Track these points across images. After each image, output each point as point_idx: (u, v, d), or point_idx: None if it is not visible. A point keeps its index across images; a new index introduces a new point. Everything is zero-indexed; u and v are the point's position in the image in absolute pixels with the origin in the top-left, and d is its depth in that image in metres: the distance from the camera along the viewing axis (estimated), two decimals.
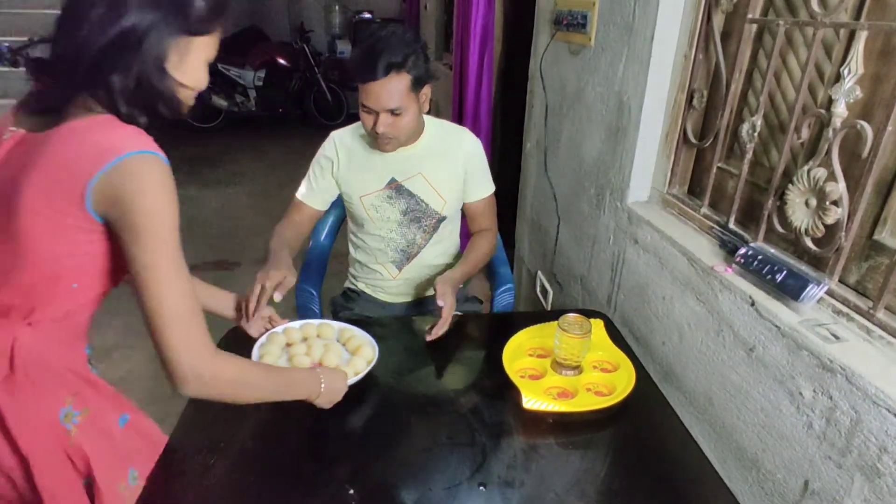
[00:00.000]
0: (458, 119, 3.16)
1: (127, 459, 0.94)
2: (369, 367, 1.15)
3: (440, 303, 1.28)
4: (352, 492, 0.93)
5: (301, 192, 1.55)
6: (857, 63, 0.90)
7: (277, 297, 1.23)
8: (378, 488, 0.95)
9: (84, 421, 0.88)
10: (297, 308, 1.62)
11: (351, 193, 1.51)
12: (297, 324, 1.29)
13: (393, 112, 1.31)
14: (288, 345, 1.24)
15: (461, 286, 1.47)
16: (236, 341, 1.33)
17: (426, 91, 1.38)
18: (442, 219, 1.54)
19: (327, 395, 1.03)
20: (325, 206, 1.57)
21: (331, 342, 1.26)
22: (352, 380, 1.11)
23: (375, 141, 1.39)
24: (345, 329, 1.29)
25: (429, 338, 1.28)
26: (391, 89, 1.28)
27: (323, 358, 1.18)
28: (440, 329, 1.28)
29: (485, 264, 1.58)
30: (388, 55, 1.25)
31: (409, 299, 1.63)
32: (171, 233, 0.79)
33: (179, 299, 0.80)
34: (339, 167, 1.49)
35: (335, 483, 0.95)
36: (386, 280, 1.60)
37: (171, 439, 1.04)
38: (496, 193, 1.60)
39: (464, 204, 1.58)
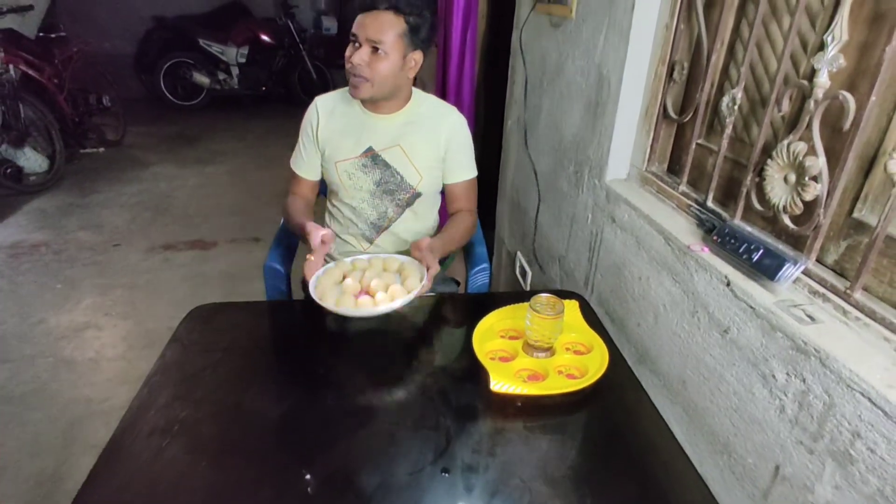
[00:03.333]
0: (441, 97, 3.08)
1: None
2: (411, 296, 1.18)
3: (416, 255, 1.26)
4: (308, 477, 0.89)
5: (294, 163, 1.54)
6: (841, 29, 0.85)
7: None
8: (336, 474, 0.91)
9: None
10: (266, 288, 1.57)
11: (328, 157, 1.47)
12: (364, 257, 1.37)
13: (375, 47, 1.28)
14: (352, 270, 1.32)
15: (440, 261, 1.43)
16: (200, 317, 1.29)
17: (416, 57, 1.34)
18: (417, 195, 1.48)
19: None
20: (319, 175, 1.54)
21: (389, 274, 1.30)
22: (387, 306, 1.15)
23: (349, 81, 1.35)
24: (408, 263, 1.32)
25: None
26: (382, 23, 1.27)
27: (371, 283, 1.23)
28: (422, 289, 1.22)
29: (465, 242, 1.54)
30: None
31: None
32: None
33: None
34: (319, 128, 1.46)
35: (292, 468, 0.91)
36: (357, 252, 1.55)
37: (123, 420, 1.00)
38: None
39: (444, 185, 1.53)
